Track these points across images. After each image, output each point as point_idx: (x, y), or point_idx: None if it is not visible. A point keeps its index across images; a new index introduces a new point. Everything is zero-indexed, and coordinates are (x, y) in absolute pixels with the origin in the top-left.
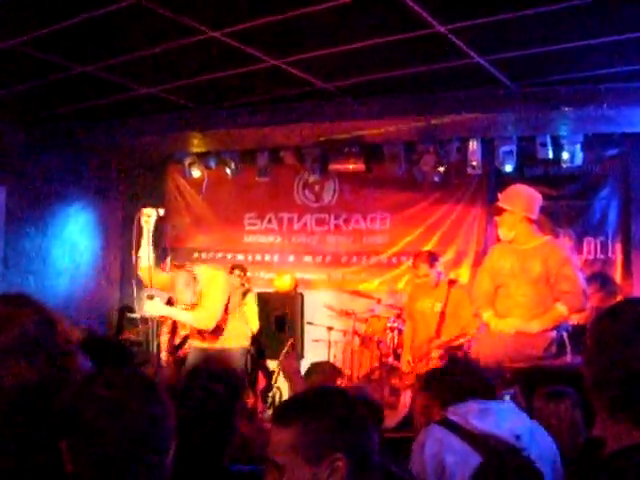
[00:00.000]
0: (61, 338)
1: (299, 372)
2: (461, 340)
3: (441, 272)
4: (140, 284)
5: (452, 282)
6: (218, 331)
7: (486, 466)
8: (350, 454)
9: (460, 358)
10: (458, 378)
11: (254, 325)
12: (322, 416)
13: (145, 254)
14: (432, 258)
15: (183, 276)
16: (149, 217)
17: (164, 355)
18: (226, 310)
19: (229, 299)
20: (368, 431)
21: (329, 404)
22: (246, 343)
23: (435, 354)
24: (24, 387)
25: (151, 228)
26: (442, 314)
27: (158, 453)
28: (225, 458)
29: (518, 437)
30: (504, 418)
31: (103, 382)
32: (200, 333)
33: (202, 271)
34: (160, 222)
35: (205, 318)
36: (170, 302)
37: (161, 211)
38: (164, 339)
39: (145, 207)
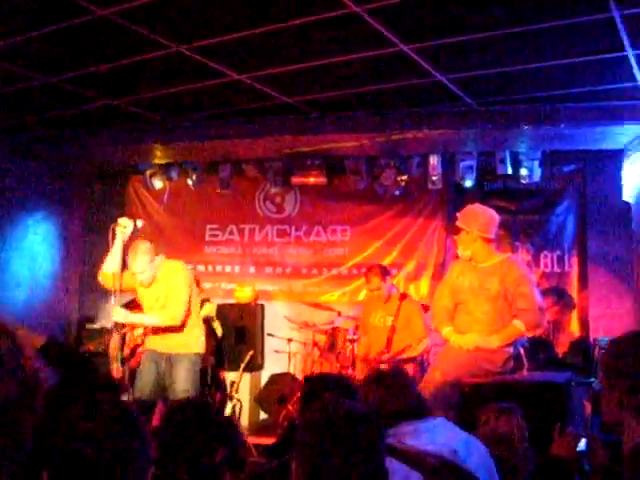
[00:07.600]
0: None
1: None
2: (408, 354)
3: (393, 286)
4: (102, 295)
5: (404, 296)
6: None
7: None
8: None
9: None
10: (390, 400)
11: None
12: None
13: (113, 261)
14: (384, 272)
15: (144, 245)
16: (125, 227)
17: (115, 366)
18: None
19: (191, 293)
20: None
21: None
22: (202, 350)
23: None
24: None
25: (126, 239)
26: (392, 328)
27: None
28: None
29: (455, 452)
30: (438, 433)
31: (83, 413)
32: (157, 332)
33: (159, 261)
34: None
35: (172, 316)
36: (133, 305)
37: (139, 222)
38: (113, 351)
39: (112, 218)
